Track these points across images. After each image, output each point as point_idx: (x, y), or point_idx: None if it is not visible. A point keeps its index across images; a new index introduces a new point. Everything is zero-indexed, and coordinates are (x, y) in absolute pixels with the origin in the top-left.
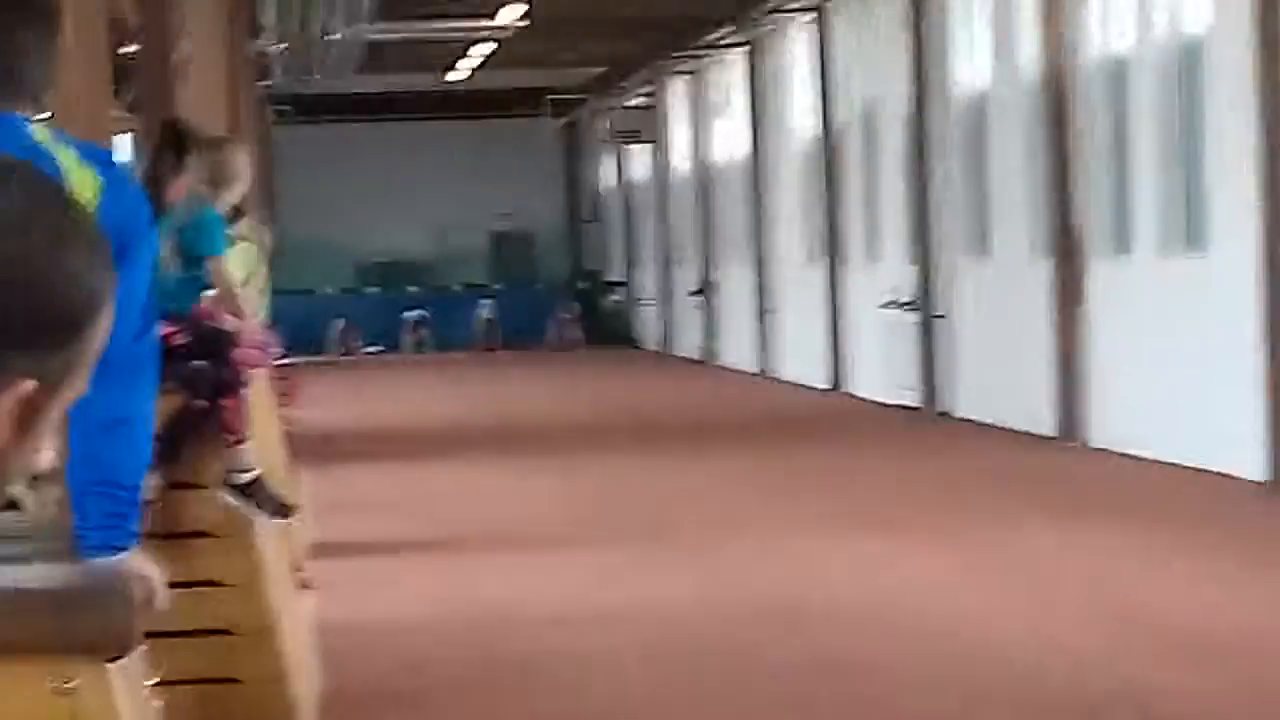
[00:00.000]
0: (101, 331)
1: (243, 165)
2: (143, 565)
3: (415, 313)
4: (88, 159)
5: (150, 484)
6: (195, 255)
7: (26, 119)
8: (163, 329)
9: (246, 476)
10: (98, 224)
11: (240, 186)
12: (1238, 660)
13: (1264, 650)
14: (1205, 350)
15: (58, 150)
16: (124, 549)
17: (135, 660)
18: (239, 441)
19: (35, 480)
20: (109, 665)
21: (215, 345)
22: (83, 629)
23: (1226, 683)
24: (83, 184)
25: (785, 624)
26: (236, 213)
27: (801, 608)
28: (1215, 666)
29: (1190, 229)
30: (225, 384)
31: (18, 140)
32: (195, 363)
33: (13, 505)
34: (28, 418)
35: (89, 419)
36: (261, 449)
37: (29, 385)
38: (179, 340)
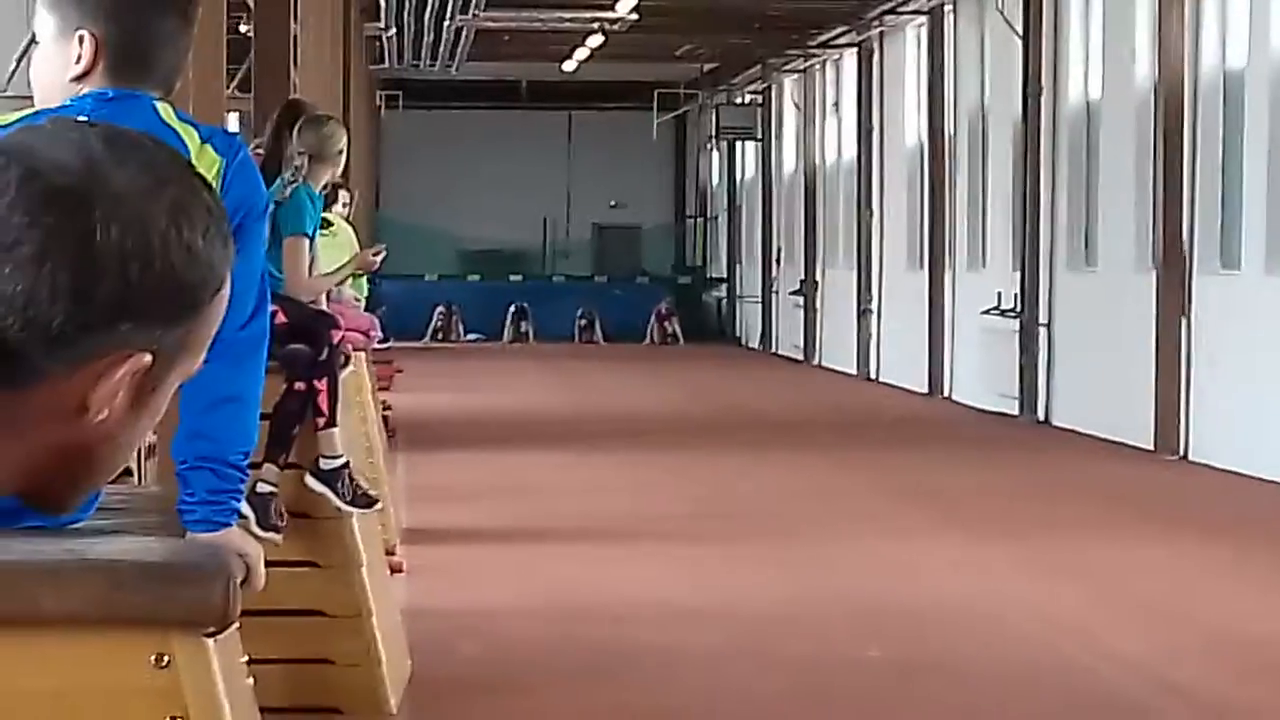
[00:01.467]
0: (220, 308)
1: (341, 143)
2: (243, 542)
3: (517, 302)
4: (210, 139)
5: (273, 475)
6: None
7: (154, 98)
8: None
9: (335, 463)
10: (220, 201)
11: (337, 165)
12: None
13: None
14: None
15: (182, 129)
16: (226, 525)
17: (232, 636)
18: (329, 425)
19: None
20: (207, 640)
21: (314, 326)
22: (182, 603)
23: None
24: (205, 163)
25: (873, 625)
26: (335, 195)
27: (889, 610)
28: None
29: None
30: (321, 366)
31: (145, 117)
32: (293, 345)
33: (124, 475)
34: (144, 391)
35: (200, 395)
36: (359, 432)
37: (146, 359)
38: (279, 319)
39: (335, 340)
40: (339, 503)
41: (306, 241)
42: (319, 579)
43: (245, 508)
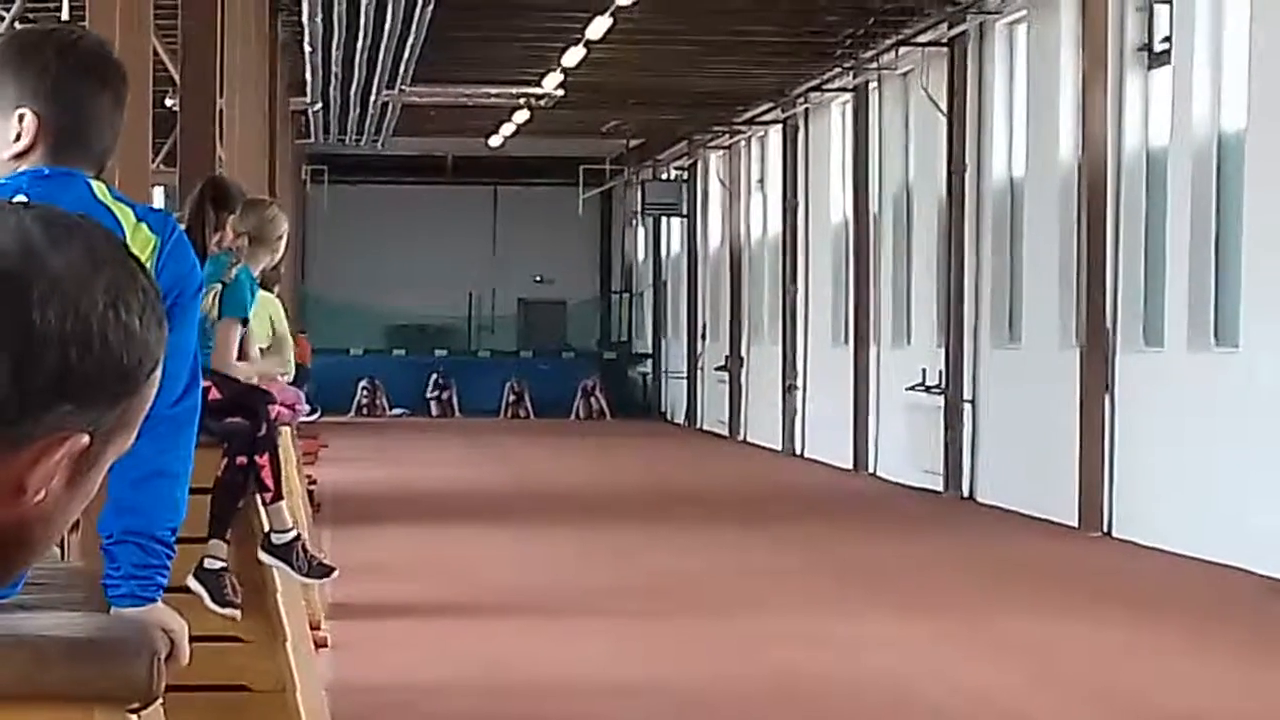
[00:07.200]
0: (154, 387)
1: (282, 229)
2: (168, 618)
3: (442, 377)
4: (145, 218)
5: (221, 550)
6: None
7: (89, 177)
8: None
9: (287, 536)
10: (154, 282)
11: (276, 251)
12: None
13: None
14: (1232, 446)
15: (117, 208)
16: (151, 600)
17: (156, 712)
18: (276, 499)
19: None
20: (131, 716)
21: (249, 402)
22: (107, 679)
23: None
24: (140, 242)
25: (799, 701)
26: (273, 275)
27: (815, 686)
28: None
29: (1221, 323)
30: (261, 441)
31: (80, 196)
32: (230, 419)
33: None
34: (80, 470)
35: (129, 470)
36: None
37: (84, 440)
38: (214, 395)
39: (272, 415)
40: (297, 576)
41: (239, 328)
42: (243, 654)
43: (195, 585)
